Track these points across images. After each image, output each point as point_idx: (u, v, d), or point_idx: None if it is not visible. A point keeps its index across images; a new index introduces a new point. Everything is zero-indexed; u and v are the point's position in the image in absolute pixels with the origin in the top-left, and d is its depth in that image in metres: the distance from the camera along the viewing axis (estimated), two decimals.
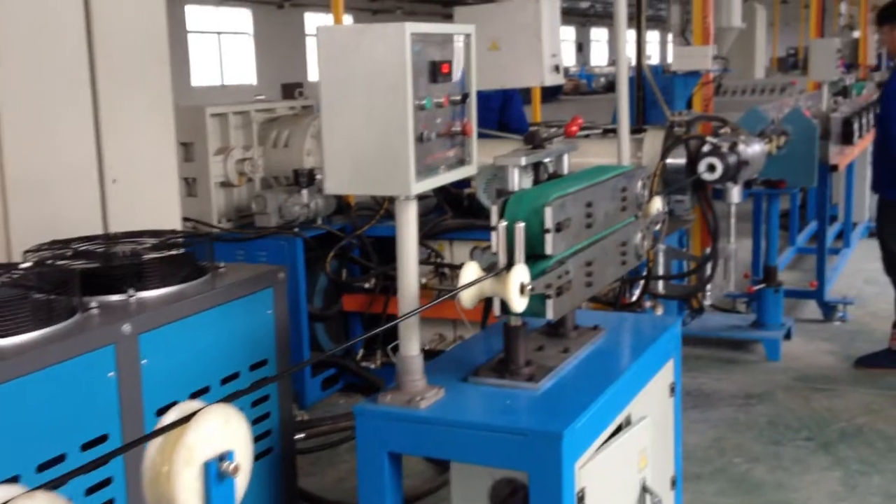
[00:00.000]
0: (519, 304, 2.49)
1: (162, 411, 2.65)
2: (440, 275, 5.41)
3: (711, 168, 4.71)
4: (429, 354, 5.51)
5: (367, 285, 5.47)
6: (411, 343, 2.75)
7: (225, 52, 31.27)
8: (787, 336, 6.34)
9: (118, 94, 3.88)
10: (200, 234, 3.03)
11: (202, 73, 29.54)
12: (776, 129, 5.92)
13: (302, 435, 4.68)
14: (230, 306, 2.89)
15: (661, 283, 5.01)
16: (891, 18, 5.66)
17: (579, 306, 3.22)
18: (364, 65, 2.46)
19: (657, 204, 3.56)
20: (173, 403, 2.68)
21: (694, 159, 4.84)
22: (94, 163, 3.85)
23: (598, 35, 53.80)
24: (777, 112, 6.36)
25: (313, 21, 32.94)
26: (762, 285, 6.27)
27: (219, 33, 31.00)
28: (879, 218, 5.93)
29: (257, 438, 2.85)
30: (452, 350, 3.26)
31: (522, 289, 2.50)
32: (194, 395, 2.74)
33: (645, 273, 4.79)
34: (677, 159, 5.03)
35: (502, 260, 2.59)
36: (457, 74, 2.73)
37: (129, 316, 2.57)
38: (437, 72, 2.59)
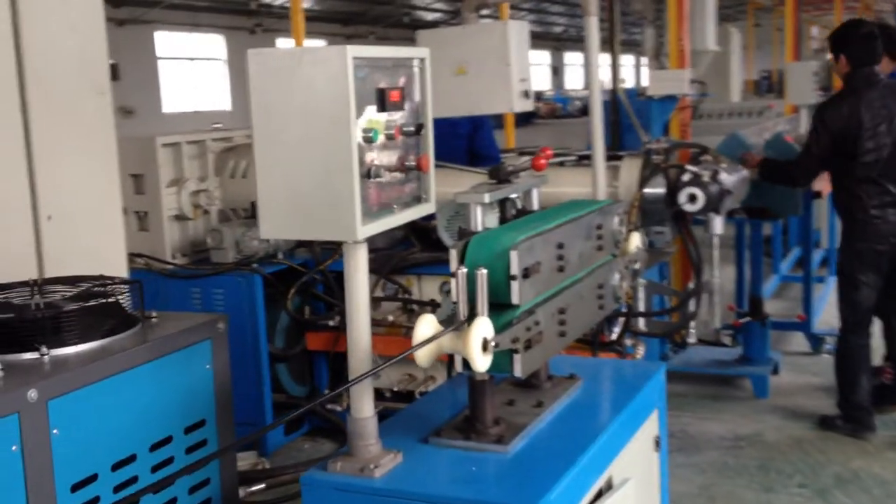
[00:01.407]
0: (481, 362, 2.19)
1: (78, 486, 2.34)
2: (408, 311, 5.11)
3: (693, 198, 4.44)
4: (398, 396, 5.23)
5: (331, 322, 5.16)
6: (364, 404, 2.44)
7: (199, 79, 30.98)
8: (775, 371, 6.06)
9: (52, 124, 3.61)
10: (130, 281, 2.71)
11: (175, 100, 29.22)
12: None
13: (262, 486, 4.36)
14: (161, 362, 2.57)
15: (641, 320, 4.72)
16: (837, 46, 5.16)
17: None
18: (301, 93, 2.17)
19: (636, 240, 3.27)
20: (92, 477, 2.39)
21: (674, 189, 4.57)
22: (27, 198, 3.57)
23: (573, 59, 53.89)
24: (757, 137, 6.12)
25: (286, 46, 32.71)
26: (748, 318, 6.00)
27: (192, 59, 30.73)
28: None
29: None
30: (414, 405, 2.95)
31: (485, 345, 2.20)
32: (118, 466, 2.42)
33: (625, 310, 4.50)
34: (656, 189, 4.75)
35: (462, 312, 2.29)
36: (410, 103, 2.44)
37: (39, 379, 2.25)
38: (385, 100, 2.30)
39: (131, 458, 2.45)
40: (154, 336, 2.62)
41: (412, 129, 2.43)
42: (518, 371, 2.36)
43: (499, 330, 2.30)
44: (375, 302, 5.08)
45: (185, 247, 5.36)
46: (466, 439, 2.57)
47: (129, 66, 24.44)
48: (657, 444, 3.18)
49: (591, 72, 4.59)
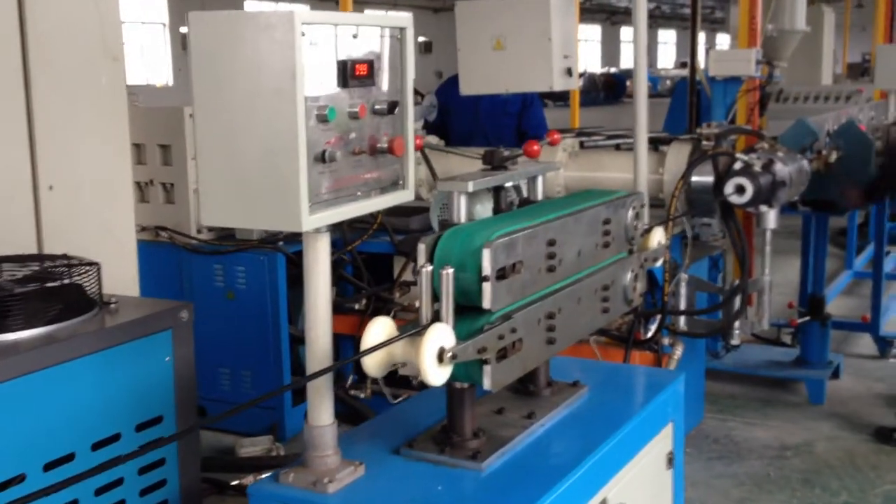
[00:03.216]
0: (434, 375, 1.94)
1: (5, 485, 2.16)
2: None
3: (741, 189, 4.08)
4: (401, 381, 4.99)
5: (357, 306, 4.94)
6: (321, 410, 2.21)
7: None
8: (835, 374, 5.67)
9: (56, 89, 3.47)
10: (90, 263, 2.51)
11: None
12: (828, 144, 5.26)
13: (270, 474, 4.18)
14: (113, 352, 2.38)
15: (682, 318, 4.40)
16: None
17: (538, 366, 2.64)
18: (245, 63, 1.93)
19: (658, 235, 2.97)
20: (20, 477, 2.20)
21: (721, 178, 4.22)
22: (27, 166, 3.43)
23: (666, 37, 52.70)
24: (832, 124, 5.68)
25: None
26: (807, 318, 5.60)
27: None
28: None
29: None
30: (396, 408, 2.70)
31: (441, 355, 1.94)
32: (52, 465, 2.23)
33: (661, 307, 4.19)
34: (704, 177, 4.40)
35: (425, 315, 2.03)
36: (382, 78, 2.18)
37: None
38: (348, 74, 2.04)
39: (68, 458, 2.26)
40: (110, 323, 2.43)
41: (384, 107, 2.17)
42: (487, 384, 2.11)
43: (464, 337, 2.05)
44: (405, 286, 4.85)
45: None
46: (440, 453, 2.32)
47: None
48: (670, 461, 2.89)
49: (639, 47, 4.26)
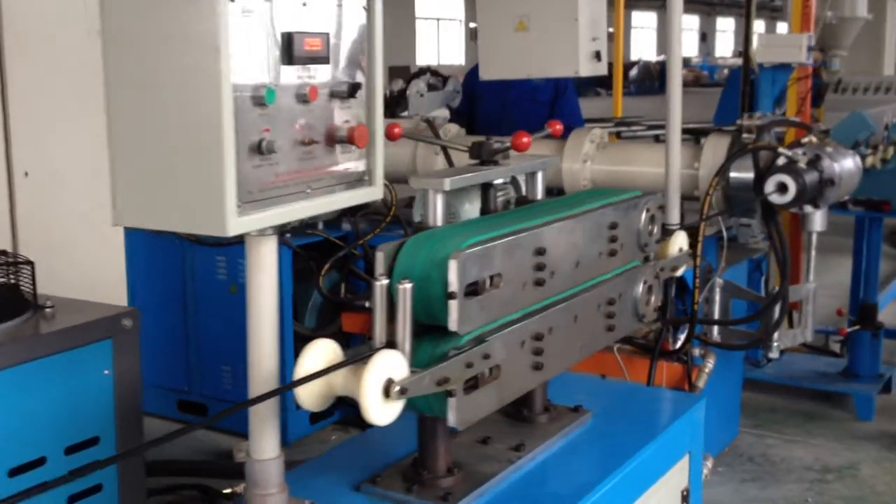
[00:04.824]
0: (378, 412, 1.61)
1: None
2: None
3: (782, 188, 3.69)
4: None
5: (367, 304, 4.61)
6: (264, 441, 1.90)
7: None
8: (887, 389, 5.24)
9: (31, 67, 3.23)
10: (26, 261, 2.22)
11: None
12: (886, 138, 4.84)
13: None
14: (40, 364, 2.09)
15: (715, 328, 4.02)
16: None
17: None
18: (162, 36, 1.61)
19: (679, 241, 2.61)
20: None
21: (762, 175, 3.83)
22: (0, 152, 3.21)
23: (725, 25, 51.62)
24: (892, 116, 5.24)
25: (424, 2, 32.48)
26: (856, 327, 5.18)
27: None
28: None
29: None
30: (367, 433, 2.38)
31: (388, 389, 1.61)
32: None
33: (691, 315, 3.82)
34: (744, 173, 4.01)
35: (379, 338, 1.71)
36: (340, 55, 1.85)
37: None
38: (294, 49, 1.72)
39: None
40: (44, 330, 2.14)
41: (343, 90, 1.84)
42: (452, 420, 1.78)
43: (424, 364, 1.72)
44: None
45: None
46: (406, 492, 2.01)
47: None
48: (685, 498, 2.54)
49: (673, 31, 3.89)
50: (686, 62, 44.92)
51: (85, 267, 3.50)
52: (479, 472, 2.10)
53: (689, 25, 48.70)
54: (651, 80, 36.13)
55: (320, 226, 4.77)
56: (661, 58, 42.51)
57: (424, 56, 33.16)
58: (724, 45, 51.54)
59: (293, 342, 4.57)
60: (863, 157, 4.81)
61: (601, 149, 4.35)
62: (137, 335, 2.28)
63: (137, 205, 1.69)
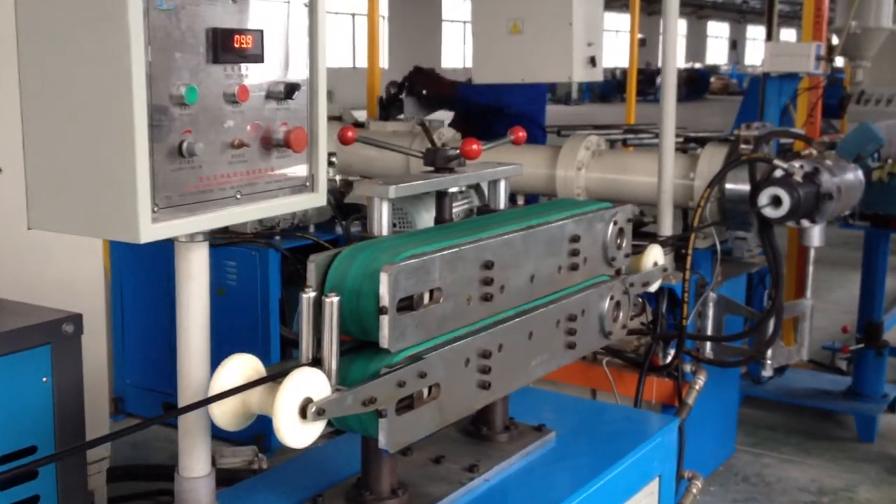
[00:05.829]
0: (292, 435, 1.51)
1: None
2: None
3: (776, 201, 3.57)
4: None
5: None
6: (194, 458, 1.81)
7: (358, 35, 30.90)
8: (891, 409, 5.10)
9: (8, 70, 3.14)
10: None
11: (331, 56, 29.22)
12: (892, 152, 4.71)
13: None
14: None
15: (708, 344, 3.90)
16: None
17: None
18: (73, 29, 1.53)
19: (654, 255, 2.51)
20: None
21: (758, 187, 3.71)
22: None
23: (755, 33, 51.25)
24: None
25: (452, 4, 32.50)
26: (861, 345, 5.04)
27: (353, 14, 30.63)
28: None
29: None
30: (314, 450, 2.28)
31: (304, 409, 1.52)
32: None
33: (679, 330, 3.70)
34: (740, 184, 3.89)
35: (305, 355, 1.62)
36: (275, 53, 1.76)
37: None
38: (220, 47, 1.63)
39: None
40: None
41: (279, 90, 1.76)
42: (383, 441, 1.68)
43: (351, 383, 1.63)
44: None
45: None
46: None
47: None
48: None
49: (669, 40, 3.78)
50: (715, 70, 44.71)
51: (62, 267, 3.44)
52: (425, 493, 2.00)
53: (719, 33, 48.44)
54: (678, 86, 35.89)
55: (311, 229, 4.70)
56: (690, 65, 42.30)
57: (450, 58, 33.23)
58: (755, 53, 51.18)
59: (279, 347, 4.49)
60: (870, 171, 4.68)
61: (597, 156, 4.24)
62: (79, 341, 2.19)
63: (52, 209, 1.61)
